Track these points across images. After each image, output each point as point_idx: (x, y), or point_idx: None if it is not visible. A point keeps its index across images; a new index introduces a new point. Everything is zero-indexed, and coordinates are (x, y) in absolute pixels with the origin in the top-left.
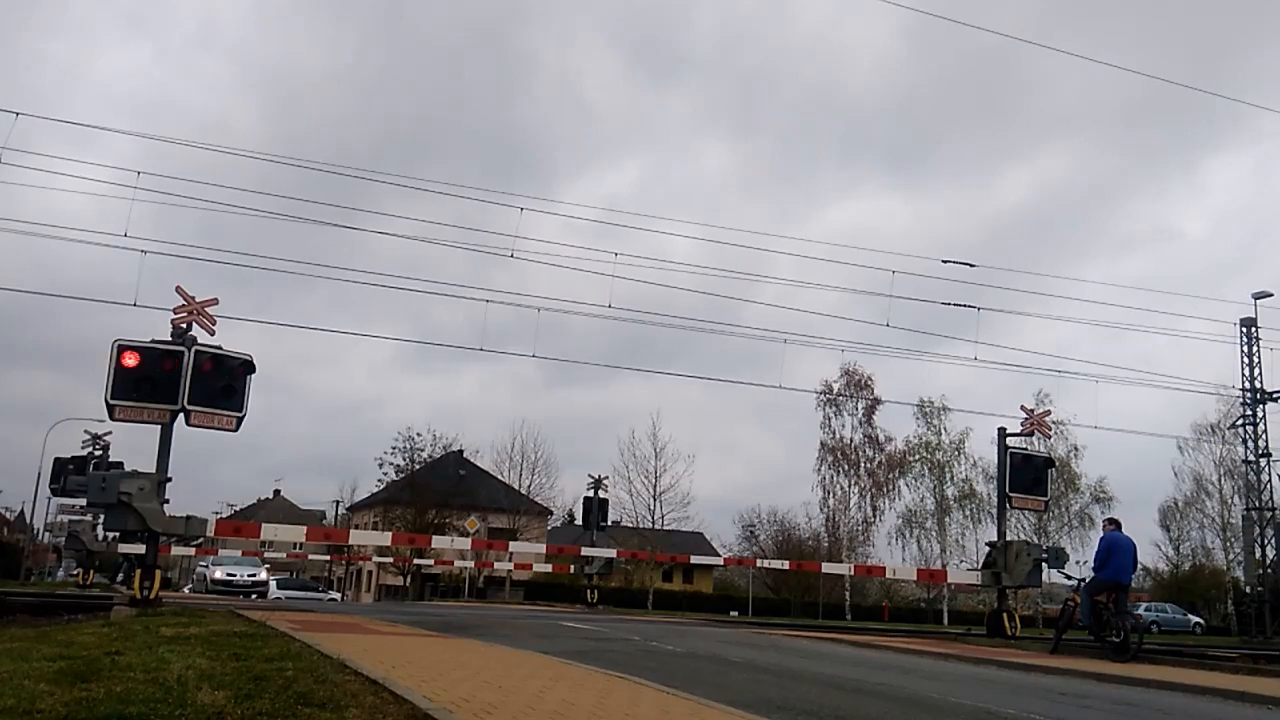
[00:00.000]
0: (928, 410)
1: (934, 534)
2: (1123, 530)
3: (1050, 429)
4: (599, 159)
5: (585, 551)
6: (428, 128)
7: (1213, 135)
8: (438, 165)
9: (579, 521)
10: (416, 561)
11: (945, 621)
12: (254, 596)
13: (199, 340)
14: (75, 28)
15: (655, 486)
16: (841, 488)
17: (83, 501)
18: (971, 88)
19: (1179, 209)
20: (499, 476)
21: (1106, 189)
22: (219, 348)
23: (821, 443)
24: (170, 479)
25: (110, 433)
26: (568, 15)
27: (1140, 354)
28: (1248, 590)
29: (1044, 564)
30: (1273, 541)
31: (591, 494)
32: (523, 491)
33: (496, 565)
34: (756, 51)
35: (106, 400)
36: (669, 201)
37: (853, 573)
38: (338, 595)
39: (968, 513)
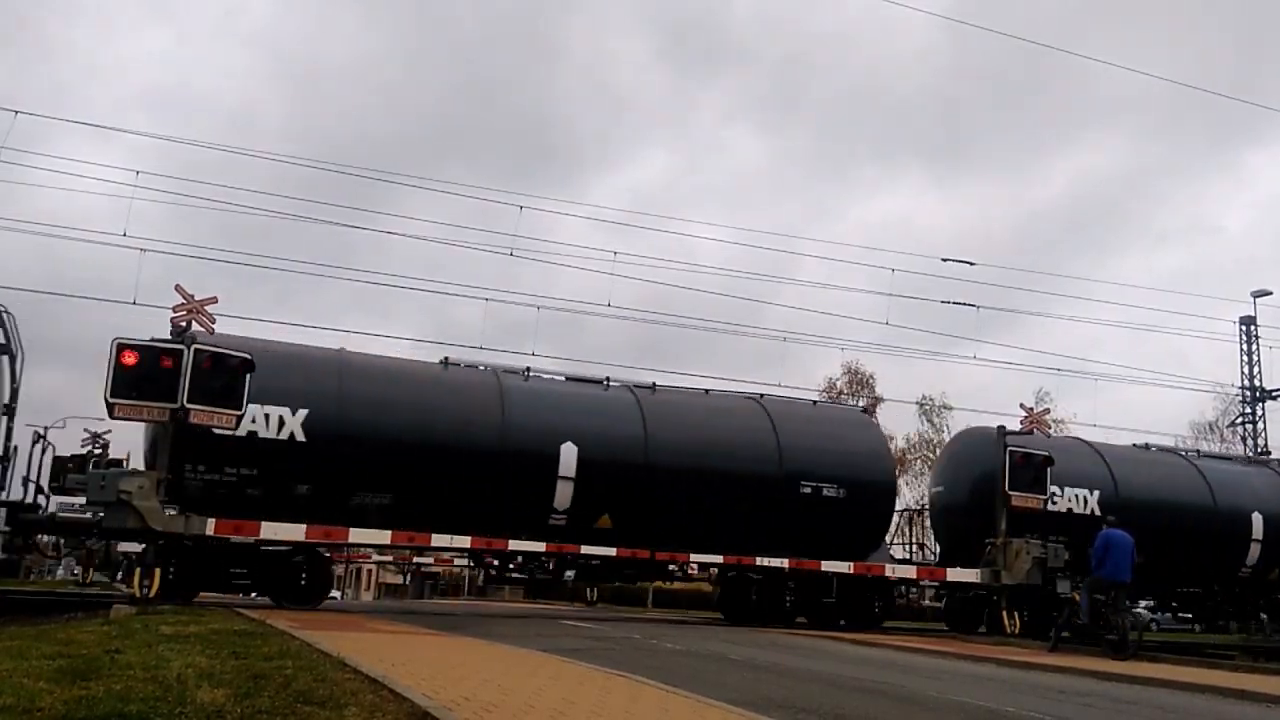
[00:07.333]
0: (928, 408)
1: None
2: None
3: (1050, 427)
4: (628, 152)
5: (585, 550)
6: (453, 119)
7: (1257, 128)
8: (463, 157)
9: None
10: (416, 560)
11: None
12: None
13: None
14: (98, 15)
15: None
16: None
17: (82, 500)
18: (1011, 80)
19: (1219, 203)
20: None
21: (1145, 182)
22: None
23: None
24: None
25: (110, 431)
26: (601, 4)
27: (1171, 352)
28: None
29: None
30: None
31: None
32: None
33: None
34: (795, 40)
35: (106, 398)
36: (698, 195)
37: (852, 571)
38: (337, 594)
39: None
